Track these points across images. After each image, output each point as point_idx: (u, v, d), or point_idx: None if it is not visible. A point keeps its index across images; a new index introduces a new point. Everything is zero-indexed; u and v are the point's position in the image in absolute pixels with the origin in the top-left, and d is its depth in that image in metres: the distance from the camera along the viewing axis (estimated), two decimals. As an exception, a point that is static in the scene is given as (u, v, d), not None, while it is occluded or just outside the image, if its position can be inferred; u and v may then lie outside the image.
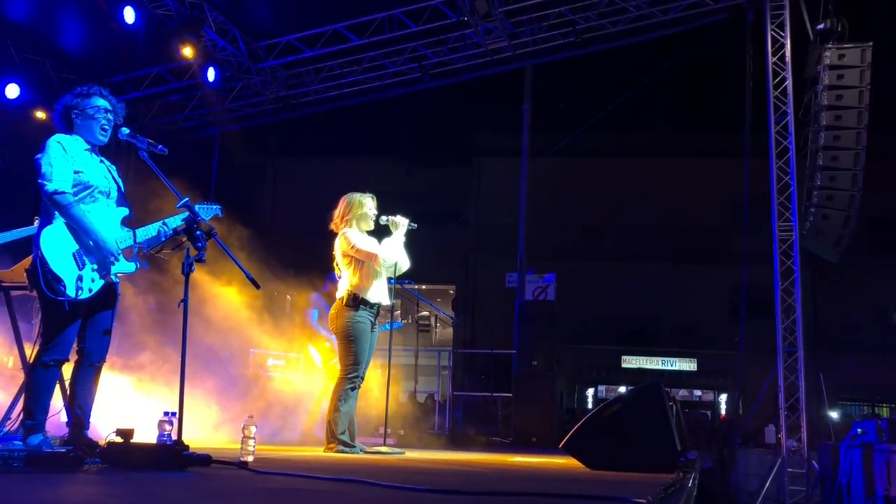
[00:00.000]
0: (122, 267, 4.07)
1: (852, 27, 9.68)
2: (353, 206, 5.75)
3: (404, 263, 5.92)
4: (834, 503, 7.86)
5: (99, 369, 4.04)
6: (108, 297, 4.01)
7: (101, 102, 4.06)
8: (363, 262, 5.62)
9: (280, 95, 12.48)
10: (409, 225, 5.95)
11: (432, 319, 14.60)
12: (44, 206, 3.90)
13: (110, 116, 4.06)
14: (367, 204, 5.79)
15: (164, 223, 4.13)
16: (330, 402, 5.52)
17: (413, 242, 6.11)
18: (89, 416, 4.00)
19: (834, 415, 16.14)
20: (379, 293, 5.69)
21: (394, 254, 5.71)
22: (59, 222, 3.85)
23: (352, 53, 11.86)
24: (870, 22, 10.22)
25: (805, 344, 9.97)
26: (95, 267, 3.91)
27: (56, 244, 3.80)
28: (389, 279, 5.98)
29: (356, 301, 5.54)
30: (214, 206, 4.55)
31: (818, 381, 10.43)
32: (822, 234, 9.74)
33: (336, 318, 5.58)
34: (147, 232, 4.12)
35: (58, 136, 3.96)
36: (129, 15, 9.81)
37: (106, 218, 3.99)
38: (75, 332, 3.91)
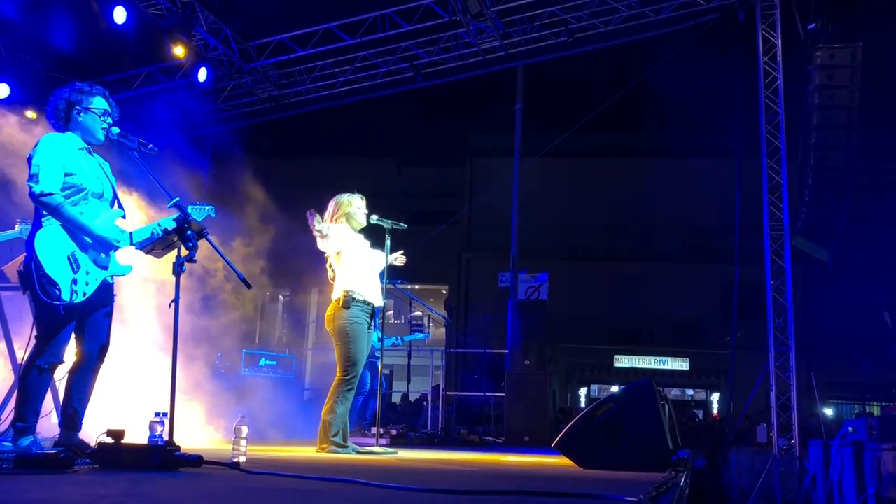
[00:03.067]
0: (118, 269, 4.05)
1: (843, 27, 9.73)
2: (342, 206, 5.76)
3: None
4: (825, 501, 7.90)
5: (97, 371, 4.02)
6: (104, 297, 3.98)
7: (103, 104, 4.03)
8: (354, 263, 5.61)
9: (272, 95, 12.46)
10: (398, 225, 5.96)
11: (425, 319, 14.62)
12: (35, 208, 3.86)
13: (109, 120, 4.03)
14: (356, 203, 5.79)
15: (157, 224, 4.10)
16: (326, 403, 5.52)
17: (405, 242, 6.11)
18: (82, 417, 3.97)
19: (829, 411, 16.19)
20: (372, 292, 5.69)
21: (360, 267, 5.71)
22: (51, 224, 3.80)
23: (344, 53, 11.85)
24: (860, 22, 10.27)
25: (796, 343, 10.02)
26: (90, 269, 3.87)
27: (50, 247, 3.76)
28: (382, 279, 5.98)
29: (351, 301, 5.54)
30: (207, 207, 4.53)
31: (810, 380, 10.47)
32: (813, 233, 9.80)
33: (333, 320, 5.57)
34: (141, 234, 4.10)
35: (49, 136, 3.91)
36: (120, 14, 9.76)
37: (101, 219, 3.95)
38: (70, 335, 3.89)
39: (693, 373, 21.57)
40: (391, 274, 6.14)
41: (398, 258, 6.08)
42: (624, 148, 21.78)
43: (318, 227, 5.53)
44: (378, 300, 5.75)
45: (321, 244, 5.63)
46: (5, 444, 3.81)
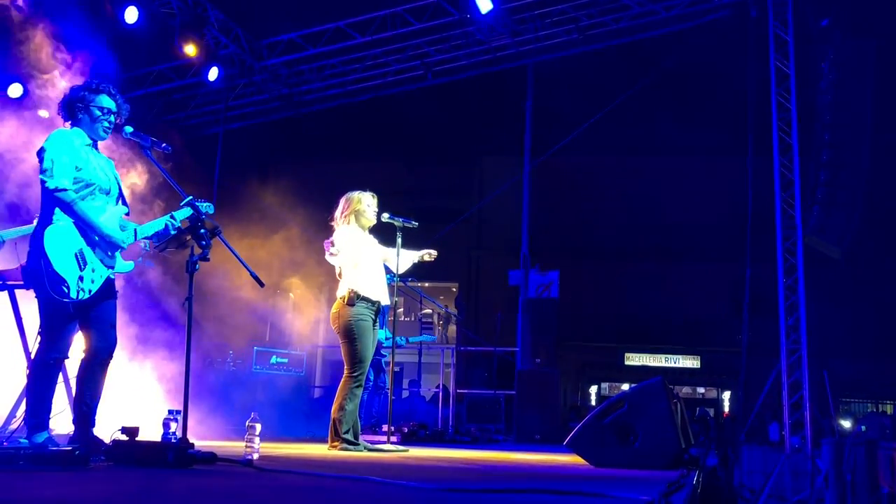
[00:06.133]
0: (121, 266, 4.08)
1: (855, 24, 9.67)
2: (352, 204, 5.77)
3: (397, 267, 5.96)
4: (838, 500, 7.86)
5: (106, 366, 4.05)
6: (108, 292, 4.02)
7: (108, 103, 4.05)
8: (361, 260, 5.63)
9: (282, 93, 12.49)
10: (409, 223, 5.97)
11: (435, 317, 14.61)
12: (44, 203, 3.88)
13: (112, 119, 4.06)
14: (366, 201, 5.80)
15: (171, 216, 4.11)
16: (335, 401, 5.54)
17: (416, 240, 6.12)
18: (95, 413, 4.00)
19: (847, 423, 16.11)
20: (378, 291, 5.69)
21: (372, 272, 5.71)
22: (59, 221, 3.83)
23: (354, 51, 11.86)
24: (873, 18, 10.20)
25: (809, 341, 9.97)
26: (96, 266, 3.90)
27: (59, 244, 3.78)
28: (391, 276, 5.99)
29: (356, 298, 5.55)
30: (204, 204, 4.53)
31: (822, 378, 10.43)
32: (825, 231, 9.75)
33: (338, 318, 5.59)
34: (152, 227, 4.12)
35: (59, 132, 3.96)
36: (131, 14, 9.80)
37: (107, 215, 3.98)
38: (75, 330, 3.92)
39: (704, 371, 21.51)
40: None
41: (430, 254, 6.03)
42: (634, 145, 21.68)
43: (332, 251, 5.59)
44: (384, 298, 5.75)
45: (334, 260, 5.66)
46: (21, 440, 3.85)
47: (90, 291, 3.85)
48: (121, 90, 4.21)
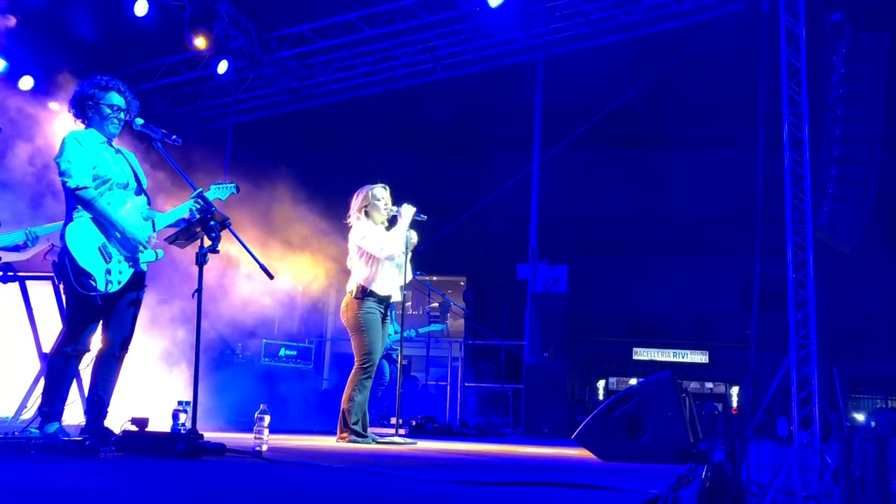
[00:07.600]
0: (147, 256, 4.10)
1: (868, 17, 9.59)
2: (362, 200, 5.77)
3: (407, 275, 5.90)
4: (847, 497, 7.84)
5: (121, 359, 4.07)
6: (134, 286, 4.05)
7: (117, 100, 4.07)
8: (373, 255, 5.63)
9: (292, 86, 12.48)
10: (418, 215, 5.95)
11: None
12: (67, 203, 3.92)
13: (122, 116, 4.08)
14: (379, 194, 5.80)
15: (195, 201, 4.09)
16: (345, 393, 5.56)
17: (424, 234, 6.11)
18: (108, 404, 4.02)
19: (861, 417, 16.04)
20: (388, 286, 5.69)
21: (395, 243, 5.68)
22: (81, 217, 3.86)
23: (364, 44, 11.84)
24: (886, 12, 10.11)
25: (818, 337, 9.92)
26: (122, 259, 3.94)
27: (81, 240, 3.82)
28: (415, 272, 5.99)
29: (365, 293, 5.56)
30: (230, 185, 4.54)
31: (831, 374, 10.39)
32: (836, 225, 9.69)
33: (346, 311, 5.61)
34: (175, 214, 4.14)
35: (72, 134, 3.98)
36: (141, 7, 9.81)
37: (127, 208, 4.01)
38: (98, 324, 3.96)
39: (713, 366, 21.46)
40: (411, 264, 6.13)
41: (407, 209, 5.81)
42: (644, 139, 21.61)
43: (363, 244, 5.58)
44: (395, 294, 5.75)
45: (351, 238, 5.66)
46: (32, 430, 3.87)
47: (119, 283, 3.90)
48: (130, 83, 4.22)
